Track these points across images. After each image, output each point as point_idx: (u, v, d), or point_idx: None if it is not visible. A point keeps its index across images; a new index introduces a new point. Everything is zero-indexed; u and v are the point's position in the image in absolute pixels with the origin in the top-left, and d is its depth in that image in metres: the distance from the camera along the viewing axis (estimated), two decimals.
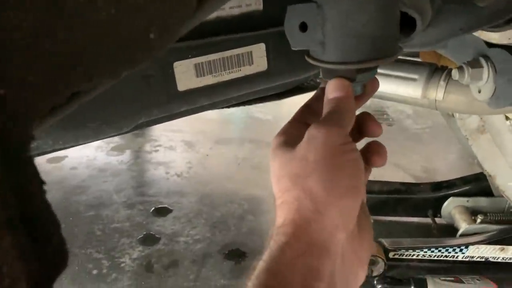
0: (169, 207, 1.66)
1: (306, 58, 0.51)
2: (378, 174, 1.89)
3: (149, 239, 1.49)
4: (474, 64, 0.65)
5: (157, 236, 1.51)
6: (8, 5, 0.22)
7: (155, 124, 0.64)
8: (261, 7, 0.59)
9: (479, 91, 0.68)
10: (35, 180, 0.26)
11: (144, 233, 1.52)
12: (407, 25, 0.49)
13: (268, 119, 2.40)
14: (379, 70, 1.17)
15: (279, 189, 0.40)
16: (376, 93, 1.11)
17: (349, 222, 0.39)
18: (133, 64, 0.30)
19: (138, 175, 1.89)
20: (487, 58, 0.65)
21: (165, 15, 0.29)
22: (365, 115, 0.49)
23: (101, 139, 0.59)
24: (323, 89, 0.48)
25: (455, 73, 0.66)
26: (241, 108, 2.43)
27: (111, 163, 1.96)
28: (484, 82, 0.65)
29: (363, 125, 0.48)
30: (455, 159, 2.06)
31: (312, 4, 0.46)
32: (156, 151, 2.09)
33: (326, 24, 0.45)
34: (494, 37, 0.58)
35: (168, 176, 1.88)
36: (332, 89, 0.45)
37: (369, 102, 1.95)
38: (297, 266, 0.36)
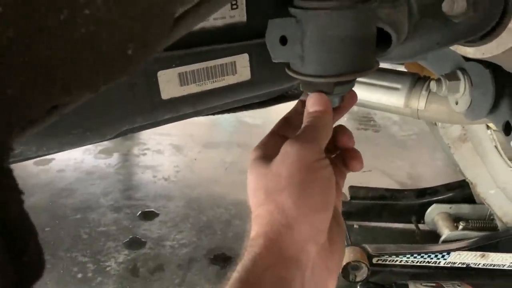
0: (156, 211, 1.67)
1: (286, 70, 0.52)
2: (364, 179, 1.91)
3: (135, 243, 1.49)
4: (452, 76, 0.67)
5: (143, 240, 1.51)
6: None
7: (139, 131, 0.65)
8: (244, 19, 0.60)
9: (456, 103, 0.70)
10: (13, 190, 0.27)
11: (130, 237, 1.52)
12: (384, 39, 0.51)
13: (257, 124, 2.42)
14: (363, 80, 1.20)
15: (254, 202, 0.42)
16: (361, 102, 1.14)
17: (320, 236, 0.41)
18: (111, 78, 0.31)
19: (125, 179, 1.89)
20: (464, 71, 0.67)
21: (142, 33, 0.30)
22: (339, 128, 0.50)
23: (85, 145, 0.60)
24: (302, 102, 0.49)
25: (433, 85, 0.68)
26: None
27: (98, 166, 1.95)
28: (460, 95, 0.67)
29: (337, 137, 0.49)
30: (440, 166, 2.09)
31: (291, 19, 0.48)
32: (144, 154, 2.09)
33: (305, 38, 0.47)
34: (470, 51, 0.60)
35: (155, 180, 1.88)
36: (312, 103, 0.47)
37: (356, 109, 1.98)
38: (267, 277, 0.38)
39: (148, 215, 1.64)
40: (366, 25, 0.46)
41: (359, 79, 1.11)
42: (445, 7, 0.54)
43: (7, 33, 0.25)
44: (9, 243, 0.26)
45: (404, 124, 2.44)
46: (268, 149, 0.45)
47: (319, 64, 0.47)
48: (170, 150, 2.13)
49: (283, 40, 0.49)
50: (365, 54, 0.47)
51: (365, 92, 1.07)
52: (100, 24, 0.28)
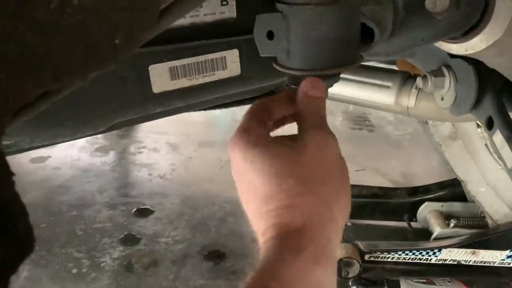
0: (151, 208, 1.68)
1: (274, 64, 0.54)
2: (358, 178, 1.93)
3: (130, 240, 1.50)
4: (437, 73, 0.69)
5: (138, 236, 1.52)
6: None
7: (132, 125, 0.66)
8: (234, 15, 0.62)
9: (442, 99, 0.72)
10: (5, 172, 0.28)
11: (125, 233, 1.53)
12: (368, 35, 0.52)
13: None
14: (355, 77, 1.21)
15: (284, 190, 0.38)
16: (353, 99, 1.15)
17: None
18: (100, 66, 0.32)
19: (121, 176, 1.91)
20: (449, 67, 0.69)
21: (129, 23, 0.31)
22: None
23: (78, 138, 0.61)
24: (288, 94, 0.50)
25: (419, 81, 0.70)
26: (226, 111, 2.45)
27: (94, 164, 1.97)
28: (446, 90, 0.69)
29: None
30: (433, 165, 2.11)
31: (278, 14, 0.49)
32: (140, 152, 2.10)
33: (291, 33, 0.49)
34: (453, 48, 0.62)
35: (151, 178, 1.90)
36: (311, 87, 0.46)
37: (351, 108, 1.99)
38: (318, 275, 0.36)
39: (143, 212, 1.65)
40: (350, 21, 0.48)
41: (351, 77, 1.13)
42: (428, 4, 0.55)
43: (0, 25, 0.27)
44: (1, 221, 0.28)
45: (398, 123, 2.46)
46: (260, 136, 0.43)
47: (304, 58, 0.49)
48: (166, 149, 2.14)
49: (270, 35, 0.51)
50: (349, 48, 0.49)
51: (357, 90, 1.09)
52: (88, 14, 0.30)
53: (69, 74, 0.31)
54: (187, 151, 2.12)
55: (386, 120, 2.48)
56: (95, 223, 1.57)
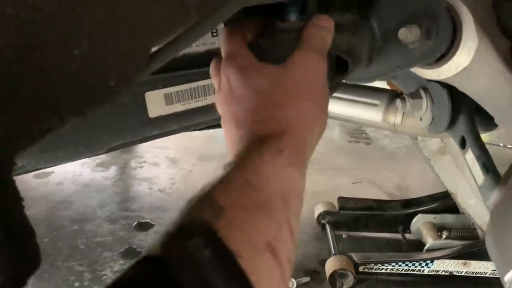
0: (151, 222, 1.72)
1: None
2: (354, 190, 1.97)
3: (131, 253, 1.54)
4: (415, 95, 0.74)
5: (138, 250, 1.56)
6: None
7: (129, 146, 0.71)
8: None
9: (421, 119, 0.76)
10: (15, 198, 0.33)
11: (126, 247, 1.57)
12: (345, 64, 0.57)
13: None
14: (346, 96, 1.26)
15: (271, 103, 0.43)
16: (345, 116, 1.19)
17: None
18: (97, 105, 0.37)
19: (122, 191, 1.95)
20: (426, 90, 0.74)
21: (121, 67, 0.36)
22: None
23: (79, 159, 0.66)
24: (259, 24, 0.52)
25: (399, 103, 0.75)
26: None
27: (96, 179, 2.01)
28: (423, 112, 0.74)
29: None
30: (428, 177, 2.15)
31: None
32: (141, 167, 2.15)
33: None
34: (427, 73, 0.66)
35: (151, 192, 1.94)
36: (323, 20, 0.50)
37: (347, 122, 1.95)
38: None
39: (144, 226, 1.70)
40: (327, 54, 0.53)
41: (343, 95, 1.17)
42: (400, 35, 0.60)
43: (13, 73, 0.32)
44: (12, 242, 0.32)
45: (394, 137, 2.50)
46: (248, 58, 0.46)
47: None
48: (166, 163, 2.19)
49: None
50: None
51: (348, 108, 1.13)
52: (87, 61, 0.35)
53: (70, 113, 0.36)
54: (186, 165, 2.17)
55: (383, 133, 2.52)
56: (96, 237, 1.61)
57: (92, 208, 1.78)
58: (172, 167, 2.16)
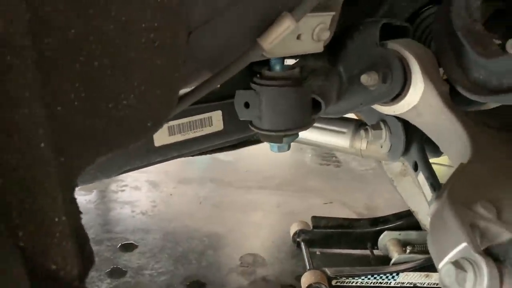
0: (135, 243, 1.80)
1: (250, 126, 0.71)
2: (325, 211, 2.10)
3: (117, 273, 1.61)
4: (376, 126, 0.88)
5: (124, 269, 1.63)
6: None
7: (135, 170, 0.82)
8: (218, 86, 0.79)
9: (382, 146, 0.91)
10: (78, 210, 0.45)
11: (112, 267, 1.64)
12: (318, 103, 0.71)
13: (229, 160, 2.59)
14: (318, 125, 1.41)
15: None
16: (316, 142, 1.33)
17: None
18: (137, 140, 0.49)
19: (105, 214, 2.02)
20: (385, 122, 0.88)
21: (156, 113, 0.48)
22: None
23: (94, 182, 0.76)
24: None
25: (362, 133, 0.89)
26: None
27: (79, 202, 2.06)
28: (383, 140, 0.88)
29: None
30: (393, 197, 2.31)
31: (252, 91, 0.67)
32: (123, 191, 2.22)
33: (261, 105, 0.67)
34: (385, 109, 0.81)
35: (134, 214, 2.01)
36: None
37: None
38: None
39: (128, 247, 1.77)
40: (303, 97, 0.66)
41: (315, 124, 1.31)
42: (362, 79, 0.74)
43: (79, 118, 0.43)
44: (78, 243, 0.44)
45: (362, 160, 2.67)
46: None
47: (271, 122, 0.67)
48: (147, 186, 2.27)
49: (247, 105, 0.69)
50: (303, 115, 0.67)
51: (319, 135, 1.28)
52: (132, 110, 0.47)
53: (117, 146, 0.48)
54: (167, 189, 2.26)
55: (351, 157, 2.69)
56: None
57: None
58: (153, 191, 2.24)
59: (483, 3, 0.96)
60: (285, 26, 0.48)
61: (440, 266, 0.48)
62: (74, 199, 0.45)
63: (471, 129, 0.67)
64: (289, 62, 0.78)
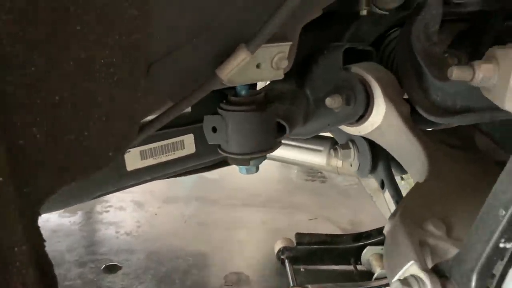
0: (119, 264, 1.79)
1: (218, 149, 0.74)
2: (311, 226, 2.12)
3: None
4: (345, 146, 0.91)
5: None
6: None
7: (108, 194, 0.83)
8: (189, 109, 0.82)
9: (351, 165, 0.93)
10: (41, 238, 0.46)
11: None
12: (284, 127, 0.73)
13: (215, 178, 2.61)
14: (296, 144, 1.44)
15: None
16: (295, 161, 1.36)
17: None
18: (99, 169, 0.51)
19: (89, 235, 2.01)
20: (353, 142, 0.91)
21: (117, 143, 0.50)
22: None
23: (66, 208, 0.78)
24: None
25: (332, 153, 0.92)
26: None
27: (63, 224, 2.07)
28: (352, 159, 0.91)
29: None
30: (377, 211, 2.34)
31: (219, 116, 0.70)
32: (107, 211, 2.22)
33: (228, 129, 0.69)
34: (351, 130, 0.84)
35: (118, 235, 2.01)
36: None
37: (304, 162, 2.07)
38: None
39: (112, 269, 1.76)
40: (267, 121, 0.69)
41: (293, 143, 1.34)
42: (327, 102, 0.77)
43: (41, 150, 0.45)
44: (40, 270, 0.45)
45: (347, 175, 2.70)
46: None
47: (238, 146, 0.69)
48: (132, 207, 2.27)
49: (214, 129, 0.71)
50: (268, 139, 0.70)
51: (297, 153, 1.30)
52: (92, 140, 0.49)
53: (79, 175, 0.50)
54: (152, 208, 2.26)
55: None
56: (66, 281, 1.67)
57: (60, 252, 1.83)
58: (138, 211, 2.25)
59: (447, 25, 1.01)
60: (241, 58, 0.51)
61: (392, 281, 0.50)
62: (37, 227, 0.46)
63: (429, 148, 0.70)
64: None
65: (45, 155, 0.46)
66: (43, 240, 0.47)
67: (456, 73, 0.52)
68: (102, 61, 0.47)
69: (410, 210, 0.55)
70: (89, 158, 0.50)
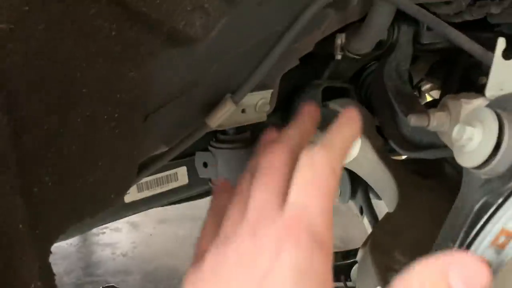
0: (116, 286, 1.84)
1: (209, 183, 0.80)
2: None
3: None
4: None
5: None
6: None
7: (106, 224, 0.90)
8: None
9: None
10: (52, 273, 0.53)
11: None
12: None
13: (208, 198, 2.66)
14: None
15: None
16: None
17: None
18: (103, 210, 0.57)
19: (86, 257, 2.06)
20: None
21: (119, 185, 0.57)
22: None
23: (68, 239, 0.84)
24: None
25: None
26: None
27: (60, 247, 2.11)
28: None
29: None
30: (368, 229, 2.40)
31: (209, 153, 0.77)
32: (103, 233, 2.27)
33: (218, 165, 0.76)
34: None
35: (114, 257, 2.06)
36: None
37: None
38: None
39: None
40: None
41: None
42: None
43: (52, 196, 0.52)
44: None
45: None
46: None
47: (227, 180, 0.76)
48: (127, 228, 2.32)
49: (205, 165, 0.78)
50: None
51: None
52: (97, 185, 0.56)
53: (86, 215, 0.56)
54: (147, 229, 2.31)
55: None
56: None
57: (58, 275, 1.86)
58: (133, 232, 2.30)
59: (423, 57, 1.10)
60: (227, 108, 0.58)
61: None
62: (49, 264, 0.53)
63: (400, 179, 0.77)
64: None
65: (55, 200, 0.53)
66: (54, 275, 0.53)
67: (414, 120, 0.59)
68: (105, 116, 0.54)
69: (379, 239, 0.62)
70: (94, 201, 0.56)
